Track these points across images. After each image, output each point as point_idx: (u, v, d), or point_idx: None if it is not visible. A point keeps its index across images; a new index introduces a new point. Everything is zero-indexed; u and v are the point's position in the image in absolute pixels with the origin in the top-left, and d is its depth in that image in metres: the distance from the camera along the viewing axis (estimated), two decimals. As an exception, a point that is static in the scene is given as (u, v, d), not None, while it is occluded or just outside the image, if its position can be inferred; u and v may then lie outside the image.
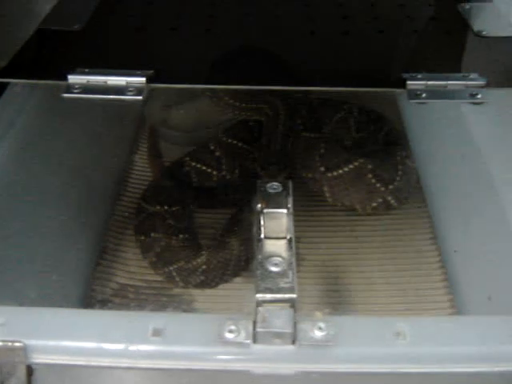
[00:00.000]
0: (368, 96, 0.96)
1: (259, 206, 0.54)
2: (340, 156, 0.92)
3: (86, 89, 0.74)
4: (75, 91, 0.75)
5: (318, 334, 0.49)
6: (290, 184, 0.59)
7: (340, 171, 0.91)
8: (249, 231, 0.62)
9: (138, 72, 0.75)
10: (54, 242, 0.80)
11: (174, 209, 0.91)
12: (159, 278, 0.89)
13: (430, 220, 0.96)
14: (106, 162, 0.93)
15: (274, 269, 0.52)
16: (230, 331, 0.50)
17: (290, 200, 0.57)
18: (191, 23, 0.89)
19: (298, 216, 0.95)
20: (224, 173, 0.99)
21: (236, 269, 0.87)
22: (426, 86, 0.74)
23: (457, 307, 0.85)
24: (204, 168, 0.97)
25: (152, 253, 0.88)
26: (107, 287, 0.88)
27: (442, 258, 0.91)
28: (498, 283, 0.78)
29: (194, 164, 0.97)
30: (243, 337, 0.49)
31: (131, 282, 0.89)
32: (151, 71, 0.76)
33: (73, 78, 0.76)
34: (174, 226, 0.90)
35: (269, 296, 0.50)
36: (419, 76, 0.75)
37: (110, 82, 0.75)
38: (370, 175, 0.91)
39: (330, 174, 0.92)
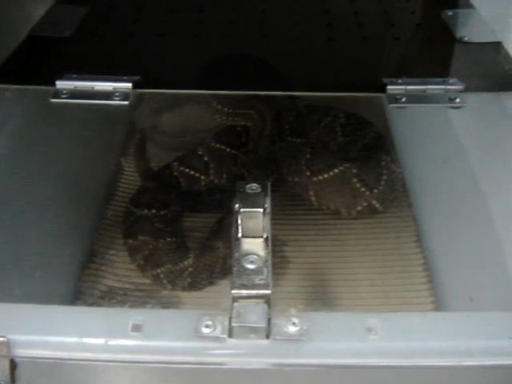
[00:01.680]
0: (355, 101, 0.97)
1: (237, 205, 0.56)
2: (325, 161, 0.94)
3: (74, 94, 0.76)
4: (63, 96, 0.77)
5: (291, 328, 0.51)
6: (269, 185, 0.60)
7: (325, 175, 0.93)
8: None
9: (125, 78, 0.77)
10: (42, 245, 0.81)
11: (161, 212, 0.93)
12: (147, 281, 0.90)
13: (414, 223, 0.97)
14: (95, 166, 0.94)
15: (249, 266, 0.53)
16: (207, 326, 0.51)
17: (268, 200, 0.58)
18: (179, 29, 0.91)
19: (283, 220, 0.97)
20: (212, 177, 1.00)
21: (222, 271, 0.88)
22: (406, 90, 0.76)
23: (440, 308, 0.87)
24: (192, 173, 0.99)
25: (140, 255, 0.89)
26: (95, 289, 0.89)
27: (426, 260, 0.92)
28: (479, 284, 0.79)
29: (182, 169, 0.99)
30: (219, 331, 0.51)
31: (119, 285, 0.90)
32: (138, 77, 0.77)
33: (60, 84, 0.78)
34: (161, 229, 0.91)
35: (244, 292, 0.51)
36: (399, 81, 0.77)
37: (96, 88, 0.76)
38: (354, 179, 0.92)
39: (315, 179, 0.93)
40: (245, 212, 0.55)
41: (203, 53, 0.87)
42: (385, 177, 0.94)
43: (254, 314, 0.50)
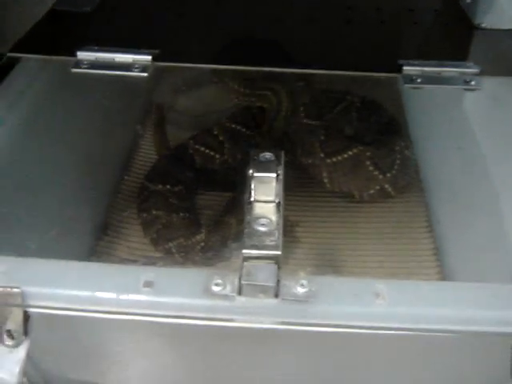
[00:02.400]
0: (371, 86, 0.98)
1: (250, 171, 0.57)
2: (339, 143, 0.95)
3: (94, 65, 0.77)
4: (83, 66, 0.78)
5: (300, 290, 0.52)
6: (282, 154, 0.61)
7: (339, 157, 0.94)
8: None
9: (145, 50, 0.78)
10: (57, 213, 0.82)
11: (176, 189, 0.94)
12: (160, 255, 0.91)
13: (426, 209, 0.98)
14: (113, 137, 0.96)
15: (261, 228, 0.54)
16: (217, 284, 0.52)
17: (281, 168, 0.59)
18: (198, 8, 0.92)
19: (296, 201, 0.98)
20: (226, 157, 1.01)
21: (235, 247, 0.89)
22: (422, 71, 0.76)
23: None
24: (207, 151, 1.00)
25: (153, 229, 0.90)
26: (108, 261, 0.91)
27: (436, 245, 0.93)
28: (488, 271, 0.79)
29: (197, 147, 1.00)
30: (229, 290, 0.52)
31: (131, 257, 0.91)
32: (157, 50, 0.78)
33: (81, 55, 0.79)
34: (175, 204, 0.92)
35: (254, 252, 0.52)
36: (415, 62, 0.77)
37: (117, 59, 0.78)
38: (368, 162, 0.93)
39: (329, 160, 0.94)
40: (258, 176, 0.55)
41: (221, 31, 0.88)
42: (398, 161, 0.94)
43: (264, 274, 0.51)
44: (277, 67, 0.80)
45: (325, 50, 0.83)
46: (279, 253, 0.52)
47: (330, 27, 0.87)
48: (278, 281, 0.51)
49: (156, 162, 1.01)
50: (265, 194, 0.56)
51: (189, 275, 0.54)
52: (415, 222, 0.98)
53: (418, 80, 0.74)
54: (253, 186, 0.56)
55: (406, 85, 0.73)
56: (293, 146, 0.98)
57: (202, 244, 0.88)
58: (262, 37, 0.87)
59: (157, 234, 0.90)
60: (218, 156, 1.01)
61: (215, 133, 1.02)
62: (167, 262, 0.89)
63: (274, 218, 0.55)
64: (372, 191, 0.95)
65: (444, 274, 0.89)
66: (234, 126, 1.02)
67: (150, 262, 0.90)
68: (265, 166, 0.57)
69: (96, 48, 0.78)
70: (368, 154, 0.93)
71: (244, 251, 0.52)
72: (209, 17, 0.89)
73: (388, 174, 0.94)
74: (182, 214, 0.91)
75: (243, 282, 0.50)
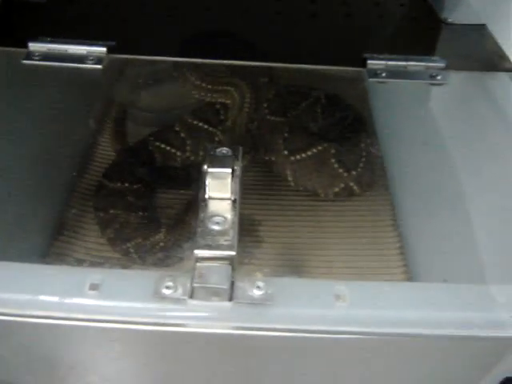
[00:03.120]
0: (336, 82, 0.95)
1: (205, 166, 0.54)
2: (303, 140, 0.92)
3: (46, 56, 0.74)
4: (35, 58, 0.75)
5: (255, 292, 0.49)
6: (240, 149, 0.59)
7: (303, 155, 0.91)
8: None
9: (100, 42, 0.75)
10: (10, 214, 0.78)
11: (134, 187, 0.91)
12: (117, 255, 0.88)
13: (391, 207, 0.96)
14: (69, 135, 0.92)
15: (215, 227, 0.51)
16: (167, 287, 0.49)
17: (238, 163, 0.57)
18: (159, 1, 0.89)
19: (260, 199, 0.95)
20: (188, 154, 0.98)
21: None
22: (387, 65, 0.74)
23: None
24: (168, 148, 0.97)
25: (110, 229, 0.87)
26: (63, 262, 0.87)
27: (402, 243, 0.91)
28: (454, 268, 0.78)
29: (157, 144, 0.97)
30: (180, 293, 0.49)
31: (88, 258, 0.88)
32: (113, 42, 0.75)
33: (33, 46, 0.76)
34: (133, 203, 0.89)
35: (207, 252, 0.49)
36: (380, 56, 0.75)
37: (70, 51, 0.75)
38: (332, 160, 0.91)
39: (292, 158, 0.92)
40: (212, 172, 0.53)
41: (182, 23, 0.85)
42: (363, 159, 0.92)
43: (217, 275, 0.49)
44: (239, 60, 0.77)
45: (289, 44, 0.80)
46: (234, 253, 0.49)
47: (294, 20, 0.84)
48: (233, 283, 0.48)
49: (114, 159, 0.97)
50: (219, 190, 0.53)
51: (138, 277, 0.51)
52: (381, 219, 0.96)
53: (383, 74, 0.72)
54: (207, 182, 0.53)
55: (371, 79, 0.70)
56: (256, 142, 0.96)
57: (162, 244, 0.85)
58: (224, 29, 0.84)
59: (114, 234, 0.87)
60: (179, 153, 0.98)
61: (176, 129, 0.99)
62: (123, 263, 0.86)
63: (229, 216, 0.52)
64: (337, 189, 0.92)
65: (410, 273, 0.88)
66: (195, 122, 0.99)
67: (100, 263, 0.87)
68: (220, 161, 0.54)
69: (49, 39, 0.74)
70: (332, 151, 0.91)
71: (196, 251, 0.49)
72: (169, 8, 0.85)
73: (353, 172, 0.92)
74: (140, 213, 0.88)
75: (195, 285, 0.48)
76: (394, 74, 0.73)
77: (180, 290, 0.49)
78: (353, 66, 0.75)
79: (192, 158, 0.99)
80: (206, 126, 0.99)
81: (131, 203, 0.89)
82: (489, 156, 0.77)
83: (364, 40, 0.84)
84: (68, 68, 0.72)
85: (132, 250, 0.86)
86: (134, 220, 0.87)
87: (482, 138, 0.78)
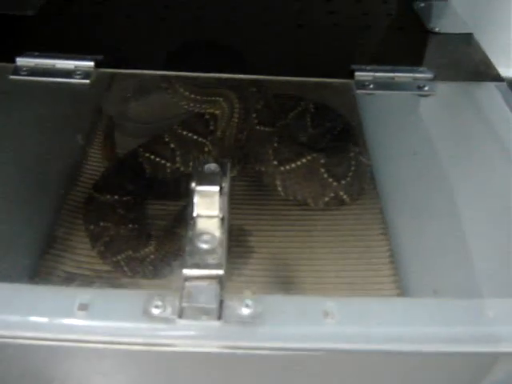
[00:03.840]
0: (324, 91, 0.96)
1: (193, 184, 0.54)
2: (293, 150, 0.93)
3: (34, 71, 0.74)
4: (22, 73, 0.75)
5: (244, 311, 0.49)
6: (228, 165, 0.59)
7: (292, 165, 0.92)
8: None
9: (87, 56, 0.75)
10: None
11: (124, 199, 0.91)
12: (108, 268, 0.88)
13: (381, 216, 0.96)
14: (58, 148, 0.92)
15: (203, 246, 0.51)
16: (156, 306, 0.49)
17: (226, 180, 0.57)
18: (146, 12, 0.89)
19: (250, 209, 0.96)
20: (178, 165, 0.98)
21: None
22: (374, 77, 0.74)
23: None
24: (158, 159, 0.97)
25: (100, 242, 0.87)
26: (53, 275, 0.87)
27: (392, 252, 0.91)
28: (444, 278, 0.78)
29: (147, 155, 0.97)
30: (169, 312, 0.49)
31: (79, 271, 0.88)
32: (101, 56, 0.75)
33: (21, 61, 0.76)
34: (123, 215, 0.89)
35: (196, 271, 0.49)
36: (368, 68, 0.75)
37: (58, 66, 0.74)
38: (322, 170, 0.91)
39: (282, 168, 0.92)
40: (200, 190, 0.53)
41: (169, 36, 0.85)
42: (353, 168, 0.93)
43: (206, 295, 0.49)
44: (227, 73, 0.77)
45: (276, 55, 0.80)
46: (222, 272, 0.49)
47: (281, 32, 0.84)
48: (221, 301, 0.48)
49: (104, 171, 0.97)
50: (208, 208, 0.53)
51: (127, 297, 0.51)
52: (371, 229, 0.96)
53: (371, 86, 0.72)
54: (195, 201, 0.53)
55: (359, 91, 0.70)
56: (246, 153, 0.96)
57: (152, 256, 0.85)
58: (212, 42, 0.84)
59: (104, 247, 0.87)
60: (169, 164, 0.98)
61: (166, 140, 0.99)
62: (113, 277, 0.86)
63: (217, 233, 0.52)
64: (327, 199, 0.93)
65: (400, 282, 0.88)
66: (185, 132, 0.99)
67: (90, 281, 0.87)
68: (208, 179, 0.54)
69: (36, 54, 0.74)
70: (322, 161, 0.91)
71: (185, 271, 0.49)
72: (157, 20, 0.85)
73: (342, 181, 0.92)
74: (130, 226, 0.88)
75: (184, 304, 0.48)
76: (382, 85, 0.73)
77: (169, 310, 0.49)
78: (340, 78, 0.75)
79: (182, 168, 0.99)
80: (195, 137, 0.99)
81: (121, 215, 0.89)
82: (477, 165, 0.77)
83: (351, 50, 0.84)
84: (56, 83, 0.72)
85: (122, 263, 0.86)
86: (123, 233, 0.87)
87: (469, 147, 0.79)
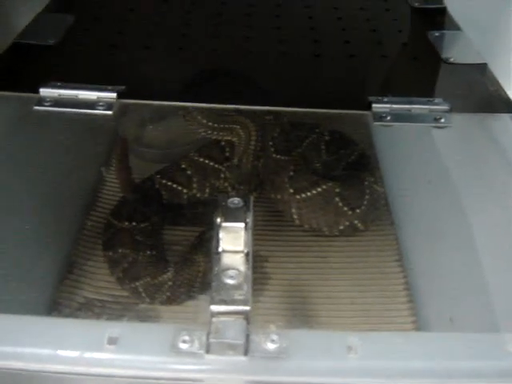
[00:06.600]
0: (340, 119, 0.97)
1: (218, 220, 0.55)
2: (308, 179, 0.94)
3: (57, 102, 0.75)
4: (46, 104, 0.76)
5: (270, 346, 0.50)
6: (251, 200, 0.60)
7: (308, 194, 0.93)
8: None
9: (110, 87, 0.76)
10: (20, 253, 0.80)
11: (142, 225, 0.92)
12: (126, 294, 0.89)
13: (396, 242, 0.97)
14: (78, 177, 0.93)
15: (229, 281, 0.52)
16: (184, 341, 0.50)
17: (250, 215, 0.58)
18: (164, 42, 0.91)
19: (265, 236, 0.97)
20: (194, 191, 1.00)
21: (202, 285, 0.87)
22: (391, 109, 0.75)
23: (420, 328, 0.86)
24: (174, 186, 0.98)
25: (119, 268, 0.88)
26: (73, 301, 0.88)
27: (408, 279, 0.92)
28: (459, 305, 0.79)
29: (164, 181, 0.98)
30: (196, 347, 0.50)
31: (98, 297, 0.89)
32: (122, 87, 0.77)
33: (44, 92, 0.77)
34: (141, 242, 0.90)
35: (223, 308, 0.50)
36: (385, 99, 0.76)
37: (80, 96, 0.76)
38: (337, 199, 0.92)
39: (298, 196, 0.93)
40: (226, 226, 0.54)
41: (188, 66, 0.86)
42: (367, 196, 0.94)
43: (232, 330, 0.50)
44: (243, 104, 0.78)
45: (293, 87, 0.82)
46: (248, 308, 0.50)
47: (297, 62, 0.85)
48: (248, 336, 0.49)
49: (122, 197, 0.99)
50: (233, 243, 0.54)
51: (155, 331, 0.52)
52: (386, 256, 0.97)
53: (388, 118, 0.73)
54: (221, 236, 0.54)
55: (376, 122, 0.71)
56: (262, 180, 0.97)
57: (170, 283, 0.86)
58: (229, 73, 0.86)
59: (123, 273, 0.88)
60: (185, 191, 0.99)
61: (183, 166, 1.00)
62: (134, 303, 0.87)
63: (242, 268, 0.53)
64: (341, 227, 0.94)
65: (415, 310, 0.89)
66: (202, 159, 1.01)
67: (116, 301, 0.88)
68: (233, 214, 0.55)
69: (59, 84, 0.76)
70: (337, 190, 0.92)
71: (212, 307, 0.50)
72: (177, 52, 0.87)
73: (357, 210, 0.93)
74: (148, 252, 0.89)
75: (211, 340, 0.49)
76: (399, 117, 0.74)
77: (196, 344, 0.50)
78: (357, 109, 0.76)
79: (198, 194, 1.00)
80: (212, 164, 1.00)
81: (139, 242, 0.90)
82: (491, 194, 0.78)
83: (368, 81, 0.85)
84: (79, 113, 0.73)
85: (141, 290, 0.87)
86: (141, 259, 0.88)
87: (483, 178, 0.79)
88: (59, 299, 0.89)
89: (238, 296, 0.51)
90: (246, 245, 0.55)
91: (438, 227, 0.88)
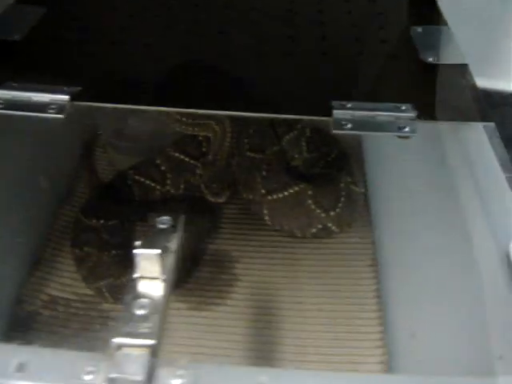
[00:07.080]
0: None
1: (136, 243, 0.53)
2: (281, 180, 0.91)
3: (10, 104, 0.73)
4: (-1, 106, 0.74)
5: (175, 382, 0.48)
6: (182, 220, 0.58)
7: (280, 195, 0.90)
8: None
9: (64, 89, 0.74)
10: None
11: (110, 223, 0.91)
12: (91, 292, 0.88)
13: (372, 247, 0.94)
14: (50, 174, 0.92)
15: (138, 312, 0.51)
16: (89, 373, 0.49)
17: (176, 237, 0.56)
18: (136, 37, 0.87)
19: (237, 236, 0.95)
20: (168, 188, 0.98)
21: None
22: (353, 115, 0.71)
23: (386, 339, 0.84)
24: (148, 182, 0.97)
25: (84, 267, 0.88)
26: (37, 298, 0.88)
27: (379, 286, 0.89)
28: (424, 321, 0.76)
29: (137, 177, 0.96)
30: (101, 379, 0.48)
31: (63, 295, 0.89)
32: (78, 88, 0.74)
33: (-1, 93, 0.75)
34: (107, 241, 0.89)
35: (126, 340, 0.49)
36: (348, 105, 0.72)
37: (34, 99, 0.74)
38: (309, 201, 0.89)
39: (269, 197, 0.91)
40: (139, 253, 0.52)
41: (156, 67, 0.83)
42: (343, 199, 0.91)
43: (134, 366, 0.48)
44: (205, 109, 0.75)
45: (258, 88, 0.78)
46: (154, 342, 0.48)
47: (272, 61, 0.82)
48: (151, 372, 0.48)
49: (92, 193, 0.98)
50: (149, 270, 0.52)
51: (63, 358, 0.50)
52: (360, 260, 0.95)
53: (348, 125, 0.69)
54: (135, 263, 0.52)
55: (335, 130, 0.68)
56: (235, 178, 0.95)
57: (133, 284, 0.85)
58: (194, 74, 0.82)
59: (87, 272, 0.88)
60: (159, 187, 0.97)
61: (157, 162, 0.98)
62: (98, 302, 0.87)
63: (156, 297, 0.51)
64: (314, 230, 0.91)
65: (384, 319, 0.86)
66: (177, 155, 0.99)
67: (81, 300, 0.88)
68: (152, 239, 0.53)
69: (14, 85, 0.73)
70: (309, 192, 0.90)
71: (115, 340, 0.48)
72: (145, 47, 0.84)
73: (331, 213, 0.91)
74: (113, 252, 0.88)
75: (111, 375, 0.47)
76: (361, 124, 0.70)
77: (101, 376, 0.48)
78: (319, 115, 0.73)
79: (172, 191, 0.99)
80: (187, 159, 0.99)
81: (105, 241, 0.89)
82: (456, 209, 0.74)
83: (335, 83, 0.81)
84: (29, 117, 0.71)
85: (104, 290, 0.87)
86: (106, 259, 0.88)
87: (450, 191, 0.76)
88: (23, 296, 0.89)
89: (144, 329, 0.49)
90: (164, 271, 0.53)
91: (415, 232, 0.85)
